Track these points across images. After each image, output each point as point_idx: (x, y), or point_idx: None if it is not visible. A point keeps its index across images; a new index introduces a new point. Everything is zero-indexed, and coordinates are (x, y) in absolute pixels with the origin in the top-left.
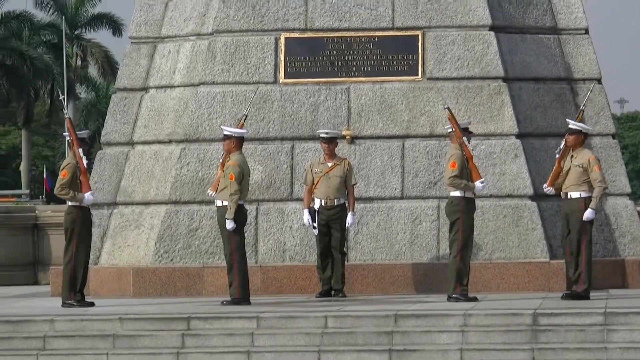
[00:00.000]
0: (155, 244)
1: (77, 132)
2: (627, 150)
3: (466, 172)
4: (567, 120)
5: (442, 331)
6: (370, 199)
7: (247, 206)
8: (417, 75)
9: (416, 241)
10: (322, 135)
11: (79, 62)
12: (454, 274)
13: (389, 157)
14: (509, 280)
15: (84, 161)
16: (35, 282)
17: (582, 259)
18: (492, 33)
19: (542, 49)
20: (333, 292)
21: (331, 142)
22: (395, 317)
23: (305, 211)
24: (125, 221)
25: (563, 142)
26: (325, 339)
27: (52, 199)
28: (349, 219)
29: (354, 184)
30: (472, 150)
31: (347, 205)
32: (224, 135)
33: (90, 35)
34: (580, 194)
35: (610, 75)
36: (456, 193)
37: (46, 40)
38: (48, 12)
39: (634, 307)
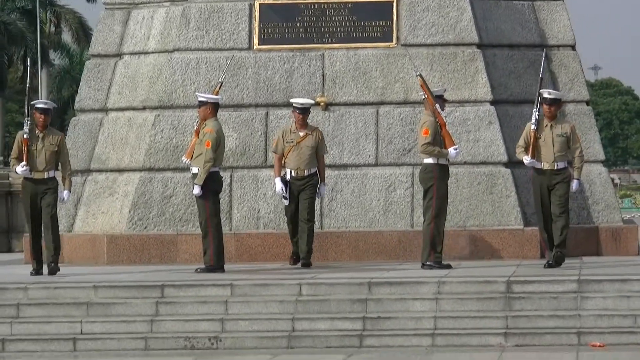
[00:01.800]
0: (130, 211)
1: (33, 102)
2: (601, 117)
3: (439, 139)
4: (542, 91)
5: (416, 299)
6: (344, 166)
7: (221, 173)
8: (392, 41)
9: (390, 208)
10: (296, 105)
11: (52, 29)
12: (428, 241)
13: (363, 123)
14: (482, 248)
15: (25, 131)
16: (9, 250)
17: (566, 227)
18: (467, 0)
19: (516, 15)
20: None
21: (305, 112)
22: (369, 285)
23: (278, 179)
24: (99, 188)
25: (537, 113)
26: (299, 306)
27: None
28: (321, 189)
29: (324, 154)
30: (446, 117)
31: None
32: (199, 101)
33: (64, 1)
34: (565, 164)
35: (585, 42)
36: (429, 160)
37: (20, 7)
38: None
39: (608, 275)
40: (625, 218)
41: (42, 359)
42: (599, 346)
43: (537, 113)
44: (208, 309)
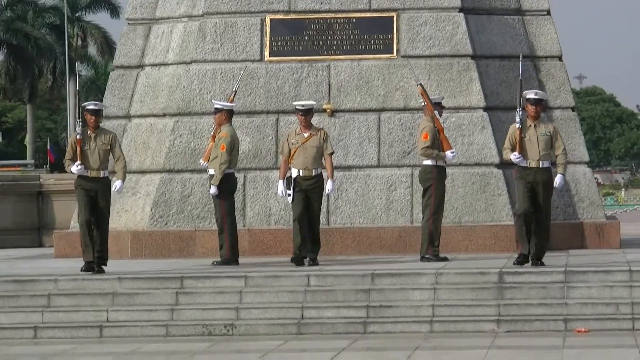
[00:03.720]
0: (151, 209)
1: (84, 103)
2: (585, 122)
3: (437, 142)
4: (528, 91)
5: (415, 289)
6: (349, 168)
7: (236, 174)
8: (392, 53)
9: (391, 206)
10: (298, 107)
11: (79, 42)
12: (426, 236)
13: (366, 129)
14: (476, 242)
15: (78, 132)
16: (40, 245)
17: (548, 226)
18: (462, 14)
19: (507, 29)
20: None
21: (307, 113)
22: (372, 276)
23: (280, 182)
24: (123, 188)
25: (520, 114)
26: (307, 296)
27: (55, 168)
28: (329, 186)
29: (331, 153)
30: (443, 122)
31: (324, 174)
32: (215, 108)
33: (89, 17)
34: (549, 163)
35: (570, 53)
36: (428, 162)
37: (49, 22)
38: None
39: (592, 266)
40: (608, 214)
41: (71, 345)
42: (584, 332)
43: (520, 113)
44: (224, 299)
